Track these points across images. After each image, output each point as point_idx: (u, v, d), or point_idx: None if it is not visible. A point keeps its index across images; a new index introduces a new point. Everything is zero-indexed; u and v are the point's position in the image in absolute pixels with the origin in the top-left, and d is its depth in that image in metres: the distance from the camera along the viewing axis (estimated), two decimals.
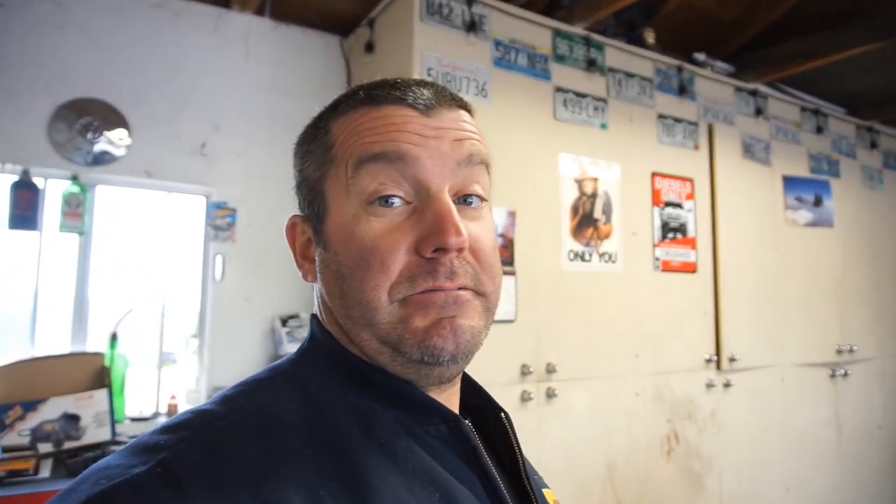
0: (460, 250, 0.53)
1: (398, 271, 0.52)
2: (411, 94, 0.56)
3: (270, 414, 0.49)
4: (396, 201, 0.53)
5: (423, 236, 0.52)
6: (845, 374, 3.01)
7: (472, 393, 0.65)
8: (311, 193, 0.58)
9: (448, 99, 0.58)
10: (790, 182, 2.97)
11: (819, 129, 3.16)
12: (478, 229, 0.56)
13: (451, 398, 0.60)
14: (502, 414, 0.62)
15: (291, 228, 0.62)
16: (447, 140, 0.55)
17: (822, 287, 3.02)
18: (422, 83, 0.58)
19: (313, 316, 0.62)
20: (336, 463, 0.47)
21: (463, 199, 0.56)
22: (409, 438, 0.53)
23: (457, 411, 0.61)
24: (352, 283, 0.53)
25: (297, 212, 0.62)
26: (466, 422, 0.57)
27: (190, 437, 0.45)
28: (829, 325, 3.02)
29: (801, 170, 3.05)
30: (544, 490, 0.65)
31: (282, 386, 0.53)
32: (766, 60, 2.91)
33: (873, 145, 3.43)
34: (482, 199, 0.58)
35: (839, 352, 3.02)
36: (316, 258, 0.58)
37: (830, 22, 2.76)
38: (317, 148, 0.58)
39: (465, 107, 0.60)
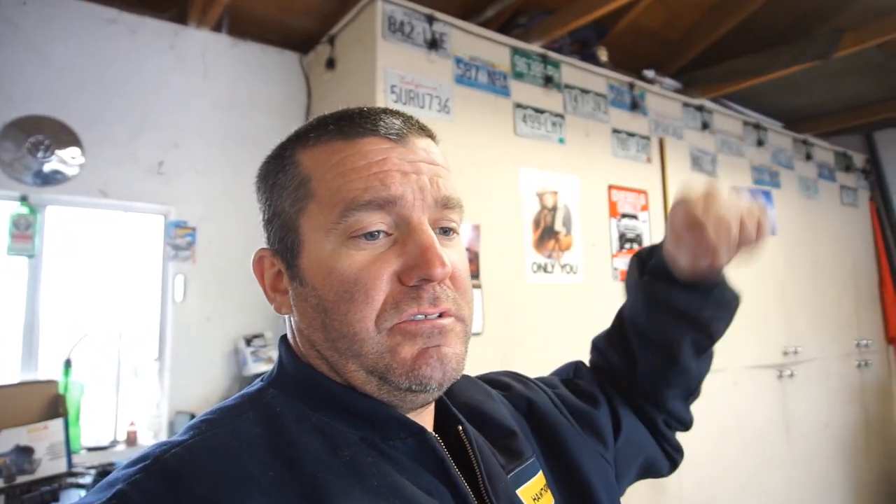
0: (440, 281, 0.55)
1: (382, 300, 0.54)
2: (382, 124, 0.57)
3: (231, 438, 0.50)
4: (379, 234, 0.55)
5: (408, 267, 0.54)
6: (791, 375, 3.15)
7: (438, 405, 0.66)
8: (284, 229, 0.58)
9: (416, 128, 0.60)
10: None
11: (760, 143, 3.33)
12: (455, 256, 0.58)
13: (424, 417, 0.61)
14: (460, 427, 0.62)
15: (259, 262, 0.62)
16: (426, 175, 0.57)
17: (768, 292, 3.16)
18: (389, 112, 0.60)
19: (282, 340, 0.63)
20: (299, 484, 0.48)
21: (440, 230, 0.58)
22: (376, 455, 0.54)
23: (430, 426, 0.62)
24: (335, 316, 0.54)
25: (263, 244, 0.62)
26: (434, 434, 0.58)
27: (147, 466, 0.46)
28: (775, 327, 3.17)
29: (745, 181, 3.20)
30: (525, 485, 0.65)
31: (247, 411, 0.54)
32: (710, 78, 3.06)
33: (808, 157, 3.63)
34: (455, 231, 0.60)
35: (785, 353, 3.17)
36: (289, 291, 0.59)
37: (768, 43, 2.93)
38: (288, 182, 0.58)
39: (431, 136, 0.62)
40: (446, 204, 0.58)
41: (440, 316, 0.55)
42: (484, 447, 0.63)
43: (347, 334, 0.54)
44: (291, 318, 0.60)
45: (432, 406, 0.63)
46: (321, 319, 0.55)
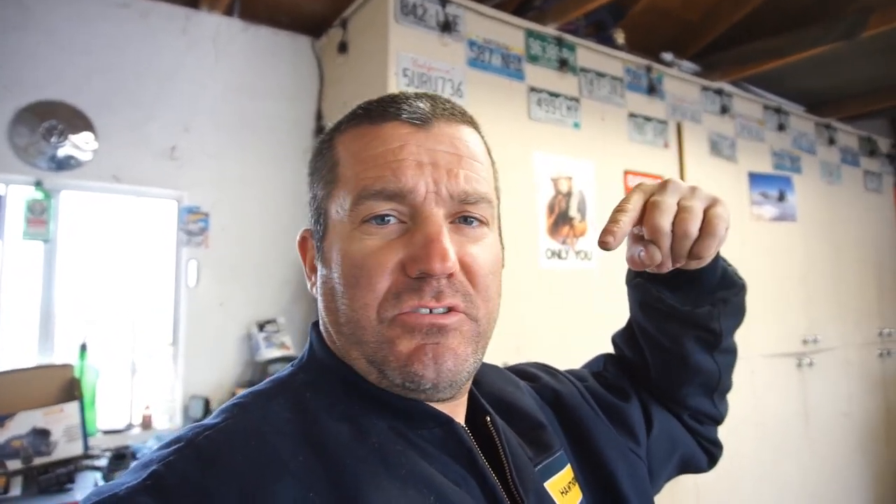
0: (449, 276, 0.53)
1: (385, 289, 0.53)
2: (406, 108, 0.56)
3: (263, 422, 0.50)
4: (391, 219, 0.54)
5: (410, 258, 0.52)
6: (811, 364, 3.10)
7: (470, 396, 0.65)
8: (317, 212, 0.60)
9: (448, 113, 0.58)
10: (755, 178, 3.06)
11: (781, 127, 3.25)
12: (476, 250, 0.56)
13: (455, 409, 0.60)
14: (488, 418, 0.62)
15: (302, 242, 0.63)
16: (444, 167, 0.55)
17: (787, 279, 3.10)
18: (421, 96, 0.59)
19: (313, 325, 0.63)
20: (327, 469, 0.48)
21: (462, 219, 0.56)
22: (404, 444, 0.53)
23: (462, 418, 0.61)
24: (343, 301, 0.54)
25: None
26: (462, 425, 0.58)
27: (181, 448, 0.47)
28: (794, 315, 3.11)
29: (765, 166, 3.13)
30: (553, 478, 0.64)
31: (278, 396, 0.54)
32: (730, 60, 2.98)
33: (831, 142, 3.55)
34: (482, 221, 0.57)
35: (805, 342, 3.11)
36: (318, 273, 0.60)
37: (791, 23, 2.84)
38: (323, 165, 0.60)
39: (468, 122, 0.60)
40: (465, 199, 0.55)
41: (448, 312, 0.53)
42: (511, 439, 0.63)
43: (352, 320, 0.54)
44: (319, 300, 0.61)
45: (465, 397, 0.62)
46: (334, 303, 0.56)
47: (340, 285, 0.54)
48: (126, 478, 0.46)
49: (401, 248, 0.53)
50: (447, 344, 0.53)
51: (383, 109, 0.57)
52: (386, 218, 0.53)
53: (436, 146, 0.55)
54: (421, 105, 0.57)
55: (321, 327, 0.61)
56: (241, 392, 0.57)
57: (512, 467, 0.58)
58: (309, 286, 0.62)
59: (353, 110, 0.60)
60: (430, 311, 0.53)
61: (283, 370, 0.61)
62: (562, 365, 0.88)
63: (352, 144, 0.57)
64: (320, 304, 0.59)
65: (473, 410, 0.63)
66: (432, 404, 0.57)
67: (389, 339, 0.52)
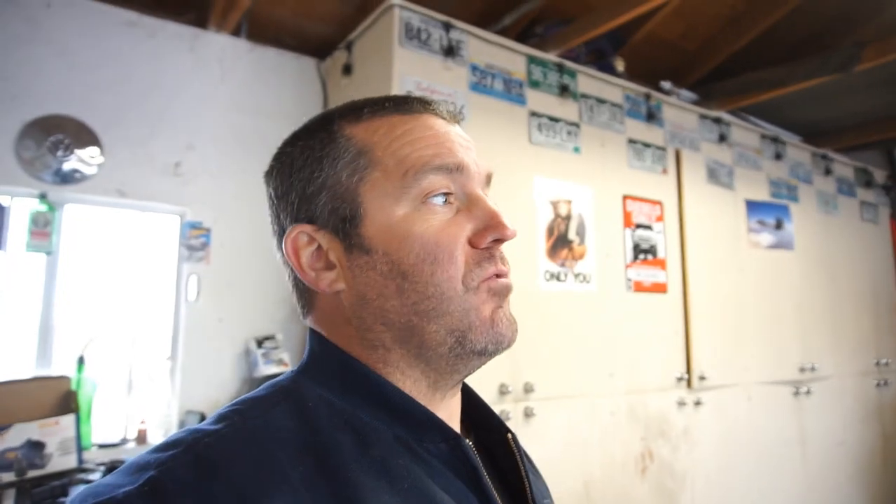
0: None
1: (464, 260, 0.56)
2: (436, 105, 0.62)
3: (263, 430, 0.49)
4: (449, 199, 0.58)
5: (481, 229, 0.57)
6: (808, 392, 3.10)
7: (476, 411, 0.66)
8: (338, 200, 0.57)
9: (456, 114, 0.65)
10: (752, 206, 3.09)
11: (778, 156, 3.29)
12: None
13: (452, 409, 0.61)
14: (509, 435, 0.62)
15: (294, 240, 0.58)
16: (475, 152, 0.61)
17: (783, 307, 3.12)
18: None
19: (312, 331, 0.61)
20: (327, 480, 0.47)
21: None
22: (408, 457, 0.53)
23: (457, 425, 0.62)
24: (418, 279, 0.55)
25: (274, 244, 0.62)
26: (468, 441, 0.57)
27: (179, 454, 0.46)
28: (791, 343, 3.11)
29: (763, 194, 3.17)
30: None
31: (279, 403, 0.53)
32: (728, 90, 3.03)
33: (828, 172, 3.59)
34: None
35: (802, 370, 3.11)
36: (340, 265, 0.57)
37: (787, 55, 2.90)
38: (340, 153, 0.58)
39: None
40: (489, 180, 0.63)
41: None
42: (527, 462, 0.64)
43: (434, 295, 0.55)
44: (340, 297, 0.58)
45: (458, 397, 0.63)
46: (396, 284, 0.55)
47: (410, 264, 0.54)
48: (120, 479, 0.45)
49: (465, 223, 0.57)
50: (508, 307, 0.59)
51: (411, 104, 0.60)
52: (446, 198, 0.57)
53: (467, 136, 0.63)
54: (441, 105, 0.63)
55: (328, 325, 0.59)
56: (240, 398, 0.55)
57: (531, 485, 0.59)
58: (322, 284, 0.58)
59: (367, 103, 0.60)
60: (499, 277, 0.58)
61: (283, 375, 0.59)
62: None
63: (390, 131, 0.58)
64: (359, 295, 0.56)
65: (489, 428, 0.64)
66: (437, 405, 0.58)
67: (476, 306, 0.56)
